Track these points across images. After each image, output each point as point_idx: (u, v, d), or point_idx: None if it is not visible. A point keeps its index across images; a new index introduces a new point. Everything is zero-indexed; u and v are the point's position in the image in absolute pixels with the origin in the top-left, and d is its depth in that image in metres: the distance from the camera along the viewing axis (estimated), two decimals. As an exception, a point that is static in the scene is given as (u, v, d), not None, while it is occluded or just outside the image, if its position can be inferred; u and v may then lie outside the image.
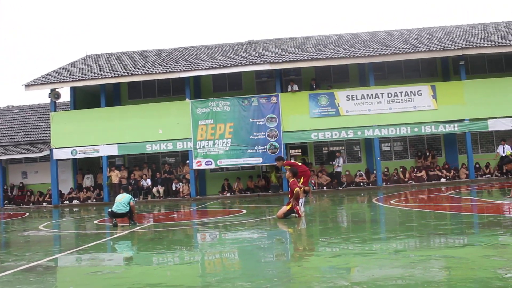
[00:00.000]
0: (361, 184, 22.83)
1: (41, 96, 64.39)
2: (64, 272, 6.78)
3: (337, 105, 22.16)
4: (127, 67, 24.65)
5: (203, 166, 22.73)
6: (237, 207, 16.48)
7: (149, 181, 23.89)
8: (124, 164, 25.63)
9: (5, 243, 10.56)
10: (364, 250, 6.64)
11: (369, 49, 22.83)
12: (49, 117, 24.62)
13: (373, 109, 22.04)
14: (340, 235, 8.45)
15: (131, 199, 11.77)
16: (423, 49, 22.02)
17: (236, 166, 23.35)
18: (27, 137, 26.95)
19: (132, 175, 24.01)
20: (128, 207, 11.58)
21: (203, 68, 22.74)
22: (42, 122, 28.02)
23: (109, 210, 11.74)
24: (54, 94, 23.88)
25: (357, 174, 23.30)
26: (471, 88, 22.01)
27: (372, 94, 22.17)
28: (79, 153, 23.42)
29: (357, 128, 22.07)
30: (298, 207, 11.05)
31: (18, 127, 28.40)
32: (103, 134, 23.16)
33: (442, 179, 22.35)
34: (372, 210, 13.09)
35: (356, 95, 22.23)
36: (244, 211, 14.14)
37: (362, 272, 5.27)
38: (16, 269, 6.57)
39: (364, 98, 22.16)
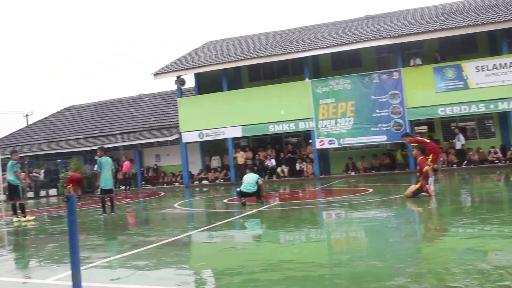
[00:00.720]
0: (496, 161, 21.21)
1: (168, 84, 68.37)
2: (200, 247, 7.26)
3: (465, 78, 20.74)
4: (246, 50, 25.25)
5: (326, 145, 22.69)
6: (363, 186, 16.27)
7: (273, 161, 24.38)
8: (248, 145, 26.42)
9: (146, 220, 11.56)
10: (504, 232, 6.23)
11: (499, 14, 20.98)
12: (176, 102, 26.15)
13: (507, 80, 20.26)
14: (475, 215, 7.99)
15: (258, 178, 12.12)
16: None
17: (360, 144, 22.98)
18: (158, 123, 28.93)
19: (257, 155, 24.70)
20: (256, 187, 11.96)
21: (321, 47, 22.53)
22: (170, 108, 29.86)
23: (238, 189, 12.22)
24: (180, 81, 25.32)
25: (491, 151, 21.71)
26: None
27: (505, 63, 20.36)
28: (206, 136, 24.60)
29: (489, 101, 20.49)
30: (427, 186, 10.64)
31: (149, 113, 30.61)
32: (227, 116, 24.04)
33: None
34: (510, 190, 12.18)
35: (487, 66, 20.60)
36: (370, 190, 13.92)
37: (505, 256, 4.94)
38: (158, 243, 7.17)
39: (497, 68, 20.47)
